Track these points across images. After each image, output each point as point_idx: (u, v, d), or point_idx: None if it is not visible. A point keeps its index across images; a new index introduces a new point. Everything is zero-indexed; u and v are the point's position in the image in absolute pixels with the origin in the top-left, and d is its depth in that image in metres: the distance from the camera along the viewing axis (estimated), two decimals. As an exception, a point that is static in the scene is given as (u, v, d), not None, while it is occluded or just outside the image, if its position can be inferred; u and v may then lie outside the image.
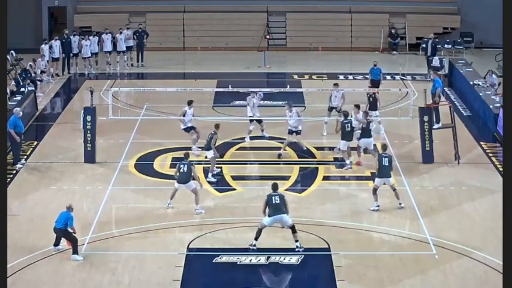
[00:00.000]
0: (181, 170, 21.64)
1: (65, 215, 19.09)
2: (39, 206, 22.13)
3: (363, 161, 25.39)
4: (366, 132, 25.24)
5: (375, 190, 22.08)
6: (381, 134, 28.21)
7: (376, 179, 22.18)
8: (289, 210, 19.55)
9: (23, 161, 25.48)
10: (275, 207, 19.39)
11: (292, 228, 19.49)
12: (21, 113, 26.05)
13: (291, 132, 26.35)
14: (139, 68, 39.61)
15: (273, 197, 19.47)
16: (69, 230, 19.00)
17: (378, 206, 22.01)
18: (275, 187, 19.82)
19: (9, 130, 24.61)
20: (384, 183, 22.12)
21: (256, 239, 19.49)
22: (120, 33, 39.11)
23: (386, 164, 22.01)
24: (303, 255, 19.13)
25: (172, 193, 21.89)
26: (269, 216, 19.39)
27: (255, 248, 19.42)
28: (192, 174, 21.76)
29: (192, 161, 22.74)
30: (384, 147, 22.68)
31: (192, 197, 21.81)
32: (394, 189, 22.20)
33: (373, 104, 28.59)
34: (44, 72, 36.26)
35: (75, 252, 18.95)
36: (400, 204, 22.13)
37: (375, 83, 32.50)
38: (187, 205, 22.15)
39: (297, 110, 26.66)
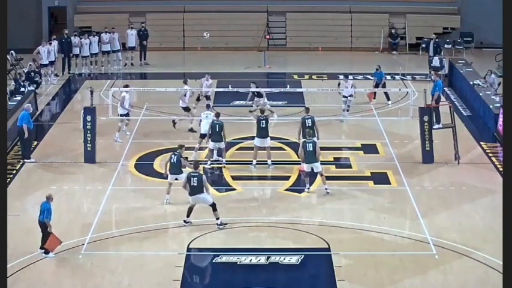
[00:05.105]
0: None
1: (43, 206, 19.07)
2: (39, 206, 22.06)
3: None
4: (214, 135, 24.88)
5: (306, 173, 22.89)
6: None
7: (304, 165, 22.90)
8: (208, 187, 20.59)
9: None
10: (192, 188, 20.36)
11: (213, 207, 20.33)
12: (31, 109, 26.32)
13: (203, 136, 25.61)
14: (141, 68, 39.60)
15: (192, 179, 20.33)
16: (45, 222, 18.91)
17: (309, 187, 22.95)
18: (196, 166, 20.73)
19: (23, 125, 25.17)
20: (312, 169, 22.80)
21: (188, 215, 20.59)
22: (131, 28, 39.46)
23: (311, 149, 22.82)
24: (302, 255, 19.13)
25: None
26: (189, 195, 20.42)
27: (187, 224, 20.46)
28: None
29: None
30: (310, 133, 23.38)
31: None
32: (322, 175, 22.97)
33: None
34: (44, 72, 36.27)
35: (43, 247, 18.88)
36: (326, 190, 22.84)
37: (379, 85, 32.53)
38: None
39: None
